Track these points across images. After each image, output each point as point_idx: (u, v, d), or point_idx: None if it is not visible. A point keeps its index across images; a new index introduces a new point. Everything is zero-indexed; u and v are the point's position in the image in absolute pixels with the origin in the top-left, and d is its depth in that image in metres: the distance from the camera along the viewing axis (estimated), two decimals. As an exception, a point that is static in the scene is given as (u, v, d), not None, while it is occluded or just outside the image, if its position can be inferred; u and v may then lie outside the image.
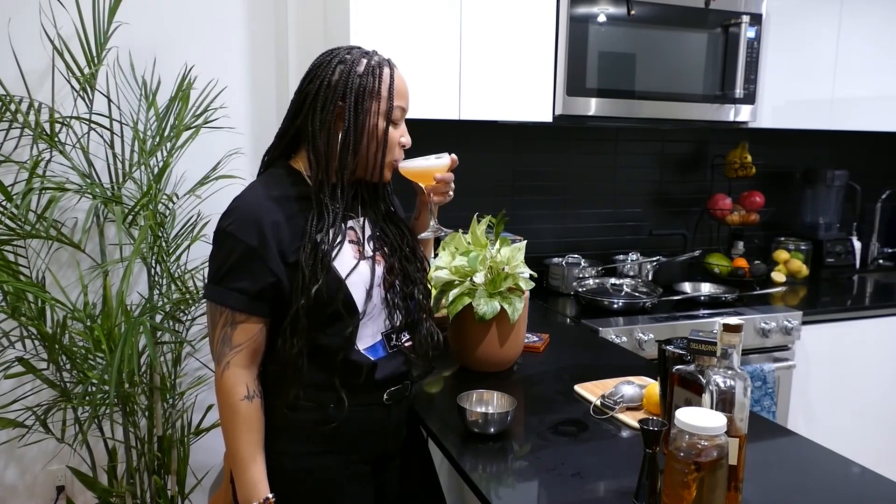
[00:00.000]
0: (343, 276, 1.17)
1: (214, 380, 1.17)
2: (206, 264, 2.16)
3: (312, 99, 1.18)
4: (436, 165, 1.31)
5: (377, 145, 1.20)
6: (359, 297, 1.18)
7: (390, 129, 1.21)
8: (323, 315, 1.16)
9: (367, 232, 1.26)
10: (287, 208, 1.17)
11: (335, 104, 1.17)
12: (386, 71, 1.20)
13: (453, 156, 1.31)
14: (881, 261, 3.15)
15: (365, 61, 1.20)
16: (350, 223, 1.23)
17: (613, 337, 2.07)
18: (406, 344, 1.28)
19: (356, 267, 1.19)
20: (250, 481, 1.15)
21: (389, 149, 1.22)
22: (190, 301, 2.01)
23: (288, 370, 1.17)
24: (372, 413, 1.25)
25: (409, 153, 1.29)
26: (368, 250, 1.23)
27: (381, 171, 1.23)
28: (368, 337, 1.22)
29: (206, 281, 1.21)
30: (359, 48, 1.23)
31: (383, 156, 1.22)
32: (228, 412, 1.15)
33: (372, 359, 1.22)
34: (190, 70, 2.14)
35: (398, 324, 1.26)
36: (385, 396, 1.25)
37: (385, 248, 1.27)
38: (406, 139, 1.25)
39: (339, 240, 1.18)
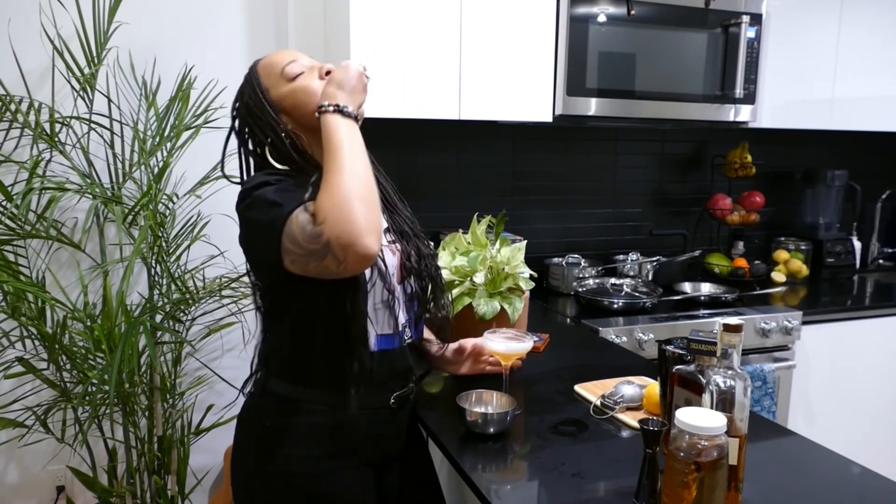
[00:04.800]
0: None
1: (319, 229, 1.01)
2: (206, 264, 2.19)
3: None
4: (524, 349, 1.40)
5: (299, 108, 1.20)
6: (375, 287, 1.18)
7: (297, 82, 1.20)
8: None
9: (384, 224, 1.26)
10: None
11: (258, 133, 1.21)
12: (256, 68, 1.25)
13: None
14: (881, 261, 3.15)
15: (244, 81, 1.26)
16: None
17: (613, 337, 2.07)
18: (414, 339, 1.29)
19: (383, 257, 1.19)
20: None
21: (303, 91, 1.19)
22: (190, 301, 2.01)
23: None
24: (378, 416, 1.25)
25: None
26: (384, 240, 1.23)
27: (316, 114, 1.13)
28: (383, 325, 1.21)
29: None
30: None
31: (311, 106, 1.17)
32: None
33: (384, 348, 1.21)
34: (190, 70, 2.14)
35: (411, 317, 1.26)
36: (392, 400, 1.25)
37: (404, 241, 1.27)
38: (290, 68, 1.21)
39: None
